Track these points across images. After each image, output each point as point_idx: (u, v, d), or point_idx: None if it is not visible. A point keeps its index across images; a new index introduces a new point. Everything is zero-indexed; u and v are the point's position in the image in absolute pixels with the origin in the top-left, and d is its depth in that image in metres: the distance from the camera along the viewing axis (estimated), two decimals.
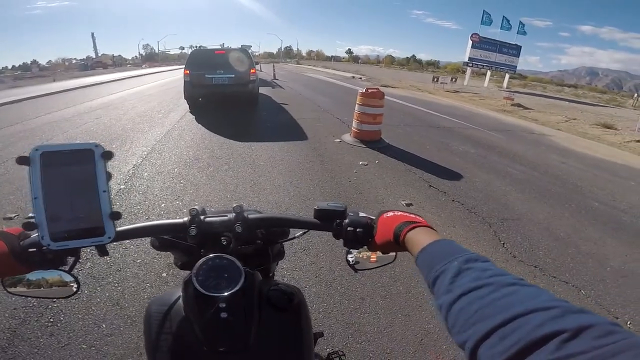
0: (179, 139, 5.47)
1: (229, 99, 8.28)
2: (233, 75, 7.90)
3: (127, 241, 2.12)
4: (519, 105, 13.51)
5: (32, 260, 0.49)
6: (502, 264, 2.52)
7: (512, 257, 2.61)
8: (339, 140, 5.71)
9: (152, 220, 0.64)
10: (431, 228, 0.52)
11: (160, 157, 4.48)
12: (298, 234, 0.70)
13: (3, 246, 0.47)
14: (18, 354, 1.59)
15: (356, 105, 5.57)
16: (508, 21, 25.24)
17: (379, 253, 0.64)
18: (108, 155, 0.46)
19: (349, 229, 0.60)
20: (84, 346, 1.65)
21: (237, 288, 0.55)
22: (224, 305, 0.55)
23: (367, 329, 1.85)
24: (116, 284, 2.06)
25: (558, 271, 2.49)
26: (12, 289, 0.56)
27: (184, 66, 8.01)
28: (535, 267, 2.51)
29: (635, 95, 25.18)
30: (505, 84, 25.91)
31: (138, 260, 2.26)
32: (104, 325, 1.77)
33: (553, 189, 4.26)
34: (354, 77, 25.61)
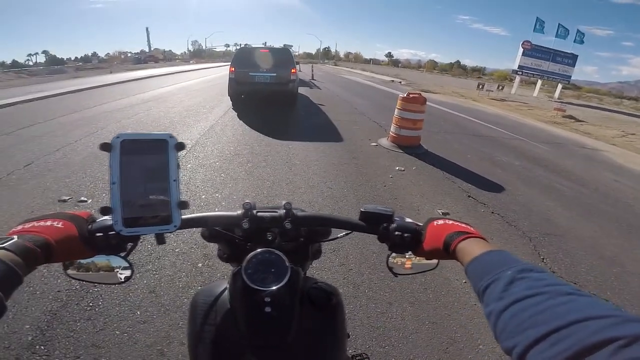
0: (221, 134, 5.71)
1: (269, 97, 8.50)
2: (275, 74, 8.11)
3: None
4: (570, 117, 12.60)
5: (97, 244, 0.51)
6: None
7: (550, 272, 2.47)
8: (375, 144, 5.66)
9: (207, 211, 0.67)
10: (484, 239, 0.52)
11: (203, 150, 4.70)
12: (341, 234, 0.71)
13: (73, 229, 0.49)
14: (55, 337, 1.65)
15: (396, 110, 5.50)
16: (565, 29, 23.57)
17: (414, 260, 0.65)
18: (180, 147, 0.48)
19: (396, 233, 0.60)
20: (117, 332, 1.70)
21: (282, 283, 0.57)
22: (269, 300, 0.57)
23: (392, 333, 1.83)
24: (154, 272, 2.13)
25: (599, 288, 2.39)
26: (72, 272, 0.58)
27: (228, 63, 8.32)
28: (575, 283, 2.39)
29: None
30: (557, 94, 24.27)
31: (177, 250, 2.33)
32: (138, 312, 1.82)
33: (602, 207, 3.99)
34: (393, 80, 25.24)
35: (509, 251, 0.46)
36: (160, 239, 0.50)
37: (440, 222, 0.58)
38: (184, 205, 0.49)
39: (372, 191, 3.68)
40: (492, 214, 3.41)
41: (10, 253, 0.39)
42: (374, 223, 0.63)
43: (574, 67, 24.60)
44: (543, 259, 2.69)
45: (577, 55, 24.54)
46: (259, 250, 0.59)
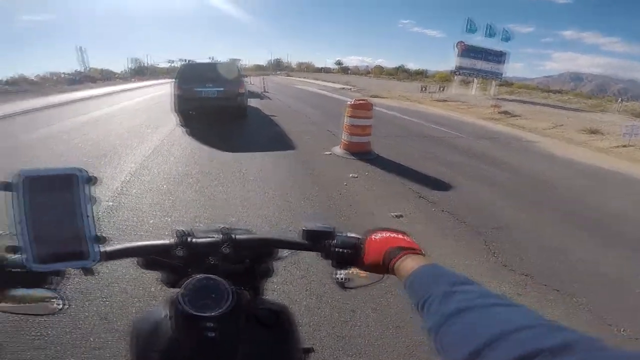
0: (168, 154, 5.44)
1: (218, 112, 8.36)
2: (222, 89, 8.02)
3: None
4: (506, 112, 13.74)
5: (14, 280, 0.49)
6: (493, 273, 2.54)
7: (502, 267, 2.61)
8: (329, 152, 5.74)
9: (139, 240, 0.63)
10: (420, 252, 0.54)
11: (149, 173, 4.43)
12: (286, 254, 0.71)
13: None
14: None
15: (345, 117, 5.63)
16: (492, 28, 25.58)
17: (358, 273, 0.65)
18: (92, 181, 0.47)
19: (336, 249, 0.60)
20: (72, 359, 1.65)
21: (224, 308, 0.56)
22: (211, 325, 0.56)
23: (358, 341, 1.84)
24: (104, 299, 2.04)
25: (549, 279, 2.49)
26: None
27: (173, 80, 8.06)
28: (526, 275, 2.50)
29: (620, 99, 25.83)
30: (492, 92, 26.28)
31: (127, 276, 2.21)
32: (91, 339, 1.77)
33: (541, 196, 4.33)
34: (343, 88, 25.95)
35: (440, 263, 0.48)
36: (88, 271, 0.49)
37: (378, 235, 0.59)
38: (101, 240, 0.48)
39: (328, 200, 3.71)
40: (442, 212, 3.56)
41: None
42: (316, 240, 0.63)
43: (504, 64, 26.23)
44: (494, 253, 2.79)
45: (506, 53, 26.21)
46: (195, 277, 0.57)
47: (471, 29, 25.03)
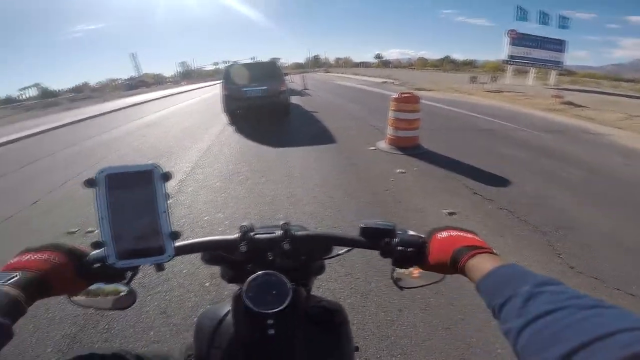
0: (219, 153, 5.69)
1: (263, 109, 8.69)
2: (265, 87, 8.32)
3: None
4: (570, 103, 12.42)
5: (95, 275, 0.52)
6: (558, 276, 2.29)
7: (569, 268, 2.38)
8: (373, 148, 5.62)
9: (204, 236, 0.64)
10: (493, 252, 0.50)
11: (202, 172, 4.67)
12: (342, 251, 0.70)
13: (69, 263, 0.50)
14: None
15: (390, 112, 5.46)
16: (546, 15, 23.59)
17: (418, 273, 0.62)
18: (166, 177, 0.48)
19: (399, 248, 0.58)
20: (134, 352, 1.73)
21: (284, 305, 0.56)
22: (271, 322, 0.57)
23: (403, 341, 1.77)
24: (164, 293, 2.16)
25: (622, 283, 2.21)
26: (75, 298, 0.58)
27: (219, 81, 8.46)
28: (596, 278, 2.26)
29: None
30: (552, 81, 24.17)
31: (184, 271, 2.34)
32: (151, 333, 1.86)
33: (616, 194, 3.84)
34: (385, 82, 25.34)
35: (519, 264, 0.44)
36: (159, 267, 0.50)
37: (444, 234, 0.56)
38: (175, 235, 0.49)
39: (374, 197, 3.62)
40: (500, 210, 3.31)
41: (13, 288, 0.42)
42: (375, 238, 0.61)
43: (564, 52, 24.38)
44: (559, 254, 2.54)
45: (566, 41, 24.31)
46: (259, 273, 0.58)
47: (522, 16, 23.30)
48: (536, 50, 23.48)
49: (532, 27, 24.25)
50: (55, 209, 3.71)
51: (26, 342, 1.82)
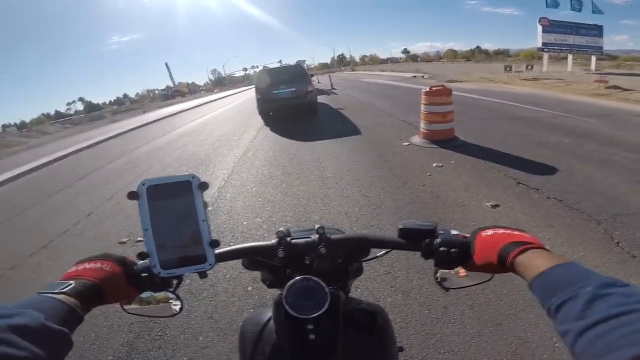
0: (254, 158, 5.85)
1: (293, 109, 9.25)
2: (294, 89, 8.98)
3: None
4: (615, 87, 11.41)
5: (144, 283, 0.55)
6: (618, 266, 2.14)
7: (631, 258, 2.21)
8: (407, 143, 5.50)
9: (243, 242, 0.67)
10: (545, 248, 0.47)
11: (239, 178, 4.82)
12: (380, 253, 0.69)
13: (120, 272, 0.53)
14: None
15: (422, 105, 5.32)
16: (578, 2, 22.48)
17: (461, 270, 0.60)
18: (204, 186, 0.49)
19: (441, 248, 0.56)
20: (185, 358, 1.81)
21: (323, 310, 0.56)
22: (311, 327, 0.57)
23: (451, 339, 1.72)
24: (210, 299, 2.25)
25: None
26: (128, 307, 0.61)
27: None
28: None
29: None
30: (593, 66, 22.54)
31: (227, 276, 2.43)
32: (200, 338, 1.92)
33: None
34: (414, 76, 24.73)
35: (579, 262, 0.41)
36: (202, 274, 0.51)
37: (490, 232, 0.53)
38: (215, 244, 0.50)
39: (410, 193, 3.55)
40: (548, 199, 3.13)
41: (69, 297, 0.43)
42: (416, 239, 0.60)
43: (602, 37, 23.57)
44: (618, 242, 2.37)
45: (602, 26, 23.50)
46: (297, 278, 0.58)
47: (552, 3, 22.41)
48: (572, 37, 22.74)
49: (564, 15, 23.30)
50: (107, 220, 3.98)
51: (89, 350, 1.94)
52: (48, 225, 4.18)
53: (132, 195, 0.47)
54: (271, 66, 10.84)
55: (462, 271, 0.60)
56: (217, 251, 0.52)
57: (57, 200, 5.28)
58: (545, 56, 23.46)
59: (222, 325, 2.00)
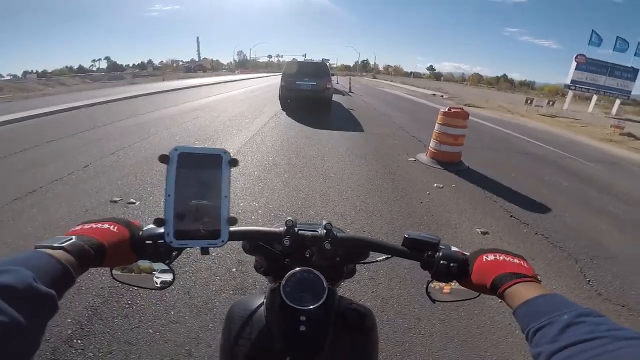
0: (261, 144, 5.93)
1: (309, 100, 10.18)
2: (315, 83, 9.98)
3: None
4: (630, 134, 11.41)
5: (146, 251, 0.54)
6: (584, 301, 2.26)
7: (596, 295, 2.38)
8: (413, 159, 5.56)
9: (254, 225, 0.70)
10: (537, 281, 0.50)
11: (243, 159, 4.90)
12: (380, 258, 0.70)
13: (126, 235, 0.52)
14: (92, 332, 1.74)
15: (436, 125, 5.38)
16: (625, 41, 21.76)
17: (452, 285, 0.63)
18: (234, 163, 0.49)
19: (442, 262, 0.59)
20: (151, 330, 1.77)
21: (319, 303, 0.57)
22: (304, 319, 0.57)
23: (418, 349, 1.80)
24: (191, 274, 2.22)
25: None
26: (117, 273, 0.60)
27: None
28: (623, 306, 2.28)
29: None
30: (614, 111, 22.31)
31: (213, 253, 2.36)
32: (172, 313, 1.89)
33: None
34: (434, 94, 24.69)
35: (564, 295, 0.45)
36: (205, 251, 0.50)
37: (491, 257, 0.56)
38: (233, 221, 0.49)
39: (407, 207, 3.61)
40: (535, 235, 3.24)
41: (67, 254, 0.42)
42: (418, 249, 0.62)
43: (634, 81, 22.49)
44: (589, 281, 2.56)
45: (638, 69, 22.44)
46: (298, 269, 0.59)
47: (595, 41, 21.71)
48: (603, 77, 21.88)
49: (604, 54, 22.56)
50: (103, 175, 4.01)
51: None
52: (40, 170, 4.11)
53: (164, 159, 0.46)
54: (298, 59, 12.04)
55: (449, 287, 0.63)
56: (230, 229, 0.51)
57: (56, 148, 5.23)
58: (570, 94, 22.98)
59: (197, 302, 1.98)
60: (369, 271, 2.37)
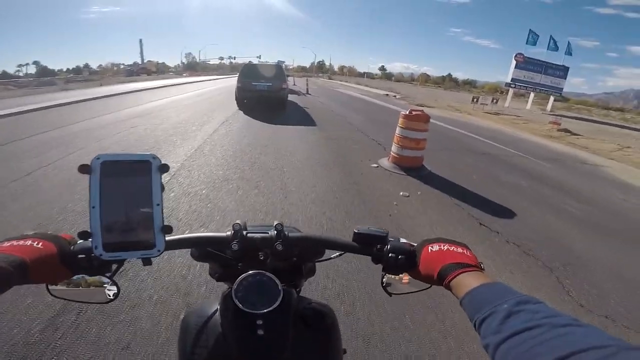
0: (209, 155, 5.31)
1: (265, 100, 10.77)
2: (270, 84, 10.57)
3: None
4: (566, 130, 12.58)
5: (79, 265, 0.50)
6: (571, 314, 2.10)
7: (579, 307, 2.36)
8: (375, 165, 5.33)
9: (197, 231, 0.54)
10: (480, 269, 0.51)
11: (189, 175, 4.29)
12: (334, 255, 0.69)
13: (53, 250, 0.49)
14: None
15: (397, 128, 5.20)
16: (555, 41, 23.98)
17: (407, 279, 0.62)
18: (164, 169, 0.47)
19: (390, 255, 0.58)
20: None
21: (274, 306, 0.57)
22: (260, 322, 0.57)
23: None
24: (127, 324, 1.81)
25: (633, 322, 2.23)
26: (54, 288, 0.54)
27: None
28: (606, 317, 2.27)
29: None
30: (549, 107, 24.57)
31: (154, 297, 2.00)
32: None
33: (617, 228, 3.87)
34: (387, 94, 25.31)
35: (504, 282, 0.45)
36: (147, 261, 0.49)
37: (436, 247, 0.56)
38: (168, 229, 0.48)
39: (376, 222, 3.32)
40: (507, 244, 3.15)
41: None
42: (368, 244, 0.62)
43: (565, 79, 25.00)
44: (569, 291, 2.52)
45: (568, 68, 24.92)
46: (249, 272, 0.58)
47: (532, 41, 23.60)
48: (539, 75, 23.95)
49: (538, 52, 24.70)
50: (12, 204, 3.23)
51: None
52: None
53: (84, 169, 0.44)
54: (253, 61, 12.60)
55: (405, 278, 0.61)
56: (167, 238, 0.49)
57: None
58: (510, 92, 24.67)
59: (141, 359, 1.64)
60: (344, 304, 2.09)
